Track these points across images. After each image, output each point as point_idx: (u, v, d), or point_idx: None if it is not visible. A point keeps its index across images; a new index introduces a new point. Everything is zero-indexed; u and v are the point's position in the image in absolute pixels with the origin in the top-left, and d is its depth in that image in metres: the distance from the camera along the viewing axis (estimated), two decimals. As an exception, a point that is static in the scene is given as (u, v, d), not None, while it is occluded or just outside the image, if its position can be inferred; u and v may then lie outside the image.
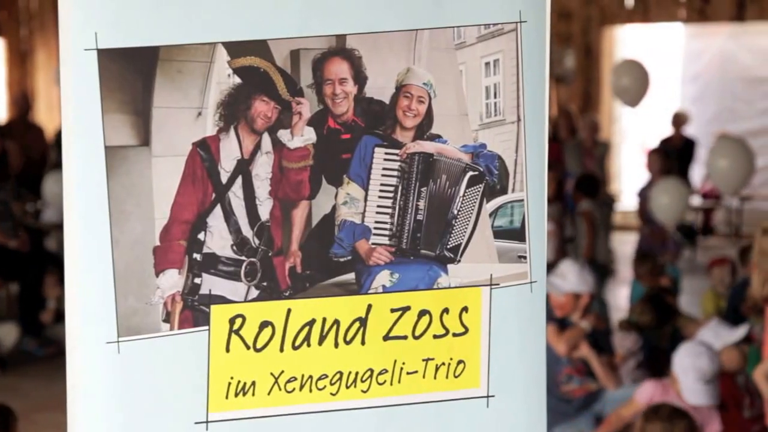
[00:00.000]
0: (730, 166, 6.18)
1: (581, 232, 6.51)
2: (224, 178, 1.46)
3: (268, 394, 1.47)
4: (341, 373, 1.50)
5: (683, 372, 3.72)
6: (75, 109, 1.38)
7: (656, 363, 4.60)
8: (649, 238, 7.04)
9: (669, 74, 10.86)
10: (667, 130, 9.48)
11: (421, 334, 1.53)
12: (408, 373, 1.53)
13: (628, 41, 11.22)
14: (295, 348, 1.48)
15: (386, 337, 1.51)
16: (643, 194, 7.50)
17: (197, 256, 1.44)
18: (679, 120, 9.43)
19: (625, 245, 8.79)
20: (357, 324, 1.50)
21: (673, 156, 8.76)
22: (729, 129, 10.04)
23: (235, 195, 1.46)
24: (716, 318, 4.63)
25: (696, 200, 9.56)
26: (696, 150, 9.45)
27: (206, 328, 1.44)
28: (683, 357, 3.76)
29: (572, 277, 4.33)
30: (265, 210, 1.47)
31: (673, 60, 11.18)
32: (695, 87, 11.23)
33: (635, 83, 7.11)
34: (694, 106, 10.92)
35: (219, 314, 1.45)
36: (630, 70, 7.21)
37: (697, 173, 9.79)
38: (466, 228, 1.55)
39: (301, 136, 1.47)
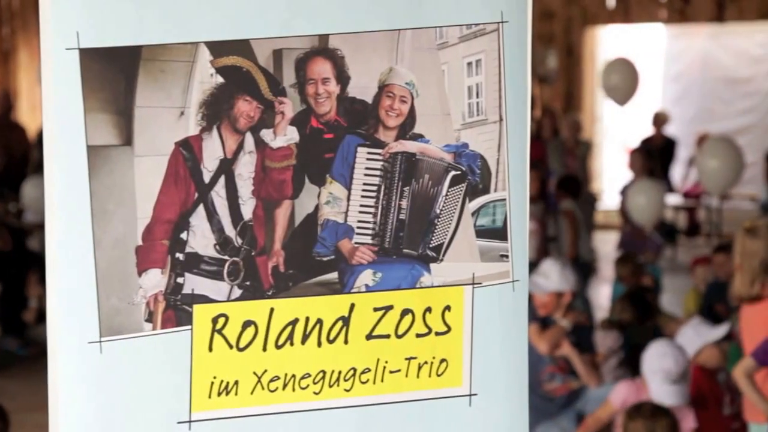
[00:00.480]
0: (719, 166, 6.23)
1: (563, 231, 6.55)
2: (207, 178, 1.46)
3: (251, 393, 1.47)
4: (324, 372, 1.50)
5: (651, 373, 3.76)
6: (57, 109, 1.38)
7: (637, 361, 4.63)
8: (631, 236, 7.09)
9: (650, 74, 10.93)
10: (648, 130, 9.54)
11: (404, 333, 1.53)
12: (391, 372, 1.53)
13: (609, 41, 11.29)
14: (278, 347, 1.48)
15: (369, 336, 1.52)
16: (626, 192, 7.55)
17: (180, 256, 1.44)
18: (659, 120, 9.49)
19: (606, 244, 8.84)
20: (340, 323, 1.50)
21: (654, 155, 8.83)
22: (709, 129, 10.11)
23: (218, 194, 1.46)
24: (698, 316, 4.67)
25: (677, 199, 9.62)
26: (676, 149, 9.52)
27: (189, 327, 1.44)
28: (649, 358, 3.81)
29: (554, 276, 4.36)
30: (247, 209, 1.47)
31: (654, 60, 11.25)
32: (676, 87, 11.31)
33: (624, 81, 7.16)
34: (675, 106, 10.99)
35: (202, 314, 1.45)
36: (620, 68, 7.25)
37: (677, 172, 9.86)
38: (448, 227, 1.55)
39: (284, 136, 1.48)
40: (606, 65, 7.35)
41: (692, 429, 3.71)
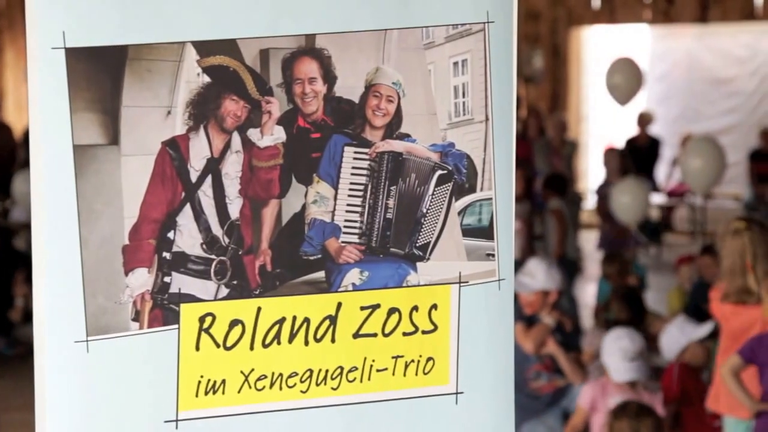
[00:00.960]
0: (703, 165, 6.28)
1: (551, 229, 6.57)
2: (194, 177, 1.46)
3: (239, 392, 1.47)
4: (311, 371, 1.50)
5: (609, 356, 3.88)
6: (43, 108, 1.38)
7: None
8: (610, 234, 7.15)
9: (635, 74, 10.96)
10: (633, 130, 9.59)
11: (391, 332, 1.54)
12: (378, 371, 1.54)
13: (595, 42, 11.33)
14: (265, 346, 1.48)
15: (356, 335, 1.52)
16: (601, 192, 7.63)
17: (167, 255, 1.44)
18: (644, 120, 9.54)
19: (590, 243, 8.88)
20: (327, 322, 1.51)
21: (640, 155, 8.88)
22: (693, 129, 10.17)
23: (205, 194, 1.46)
24: (682, 315, 4.70)
25: (661, 199, 9.68)
26: (661, 149, 9.57)
27: (176, 326, 1.44)
28: (606, 344, 3.96)
29: (540, 275, 4.38)
30: (234, 209, 1.48)
31: (639, 60, 11.29)
32: (661, 87, 11.37)
33: (627, 81, 7.18)
34: (660, 105, 11.05)
35: (189, 313, 1.45)
36: (623, 68, 7.27)
37: (662, 172, 9.91)
38: (435, 226, 1.56)
39: (271, 135, 1.48)
40: (611, 65, 7.37)
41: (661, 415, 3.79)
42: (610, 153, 7.97)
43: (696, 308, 5.09)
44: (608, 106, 9.70)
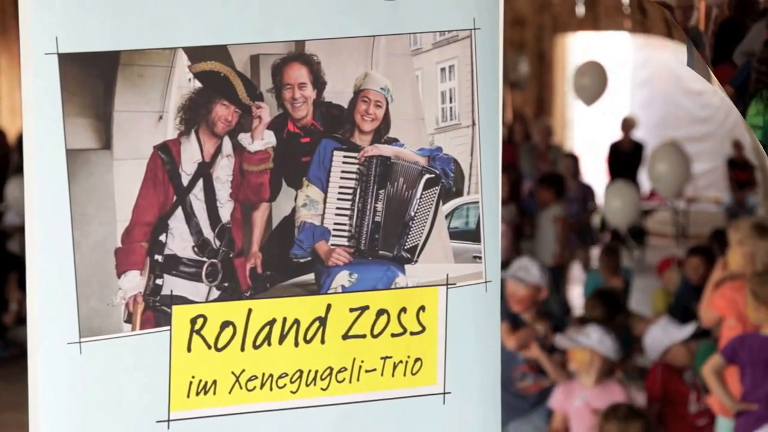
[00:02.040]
0: (669, 170, 6.39)
1: (545, 234, 6.61)
2: (185, 181, 1.48)
3: (229, 392, 1.49)
4: (301, 372, 1.52)
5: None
6: (36, 113, 1.39)
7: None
8: (571, 235, 7.28)
9: (618, 80, 11.06)
10: (617, 135, 9.67)
11: (380, 333, 1.56)
12: (367, 371, 1.56)
13: (579, 48, 11.41)
14: (255, 347, 1.50)
15: (345, 336, 1.54)
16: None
17: (159, 258, 1.46)
18: (627, 124, 9.61)
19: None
20: (317, 323, 1.53)
21: (624, 159, 8.95)
22: (674, 134, 10.26)
23: (196, 197, 1.48)
24: (666, 316, 4.74)
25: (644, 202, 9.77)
26: (645, 153, 9.65)
27: (168, 328, 1.46)
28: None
29: (534, 270, 4.43)
30: (225, 212, 1.49)
31: (622, 67, 11.38)
32: (643, 93, 11.45)
33: (593, 83, 7.29)
34: (643, 111, 11.13)
35: (180, 314, 1.47)
36: (590, 70, 7.38)
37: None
38: (423, 229, 1.58)
39: (261, 140, 1.50)
40: (577, 67, 7.48)
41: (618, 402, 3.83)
42: (567, 158, 8.10)
43: (682, 309, 5.13)
44: (593, 111, 9.76)
